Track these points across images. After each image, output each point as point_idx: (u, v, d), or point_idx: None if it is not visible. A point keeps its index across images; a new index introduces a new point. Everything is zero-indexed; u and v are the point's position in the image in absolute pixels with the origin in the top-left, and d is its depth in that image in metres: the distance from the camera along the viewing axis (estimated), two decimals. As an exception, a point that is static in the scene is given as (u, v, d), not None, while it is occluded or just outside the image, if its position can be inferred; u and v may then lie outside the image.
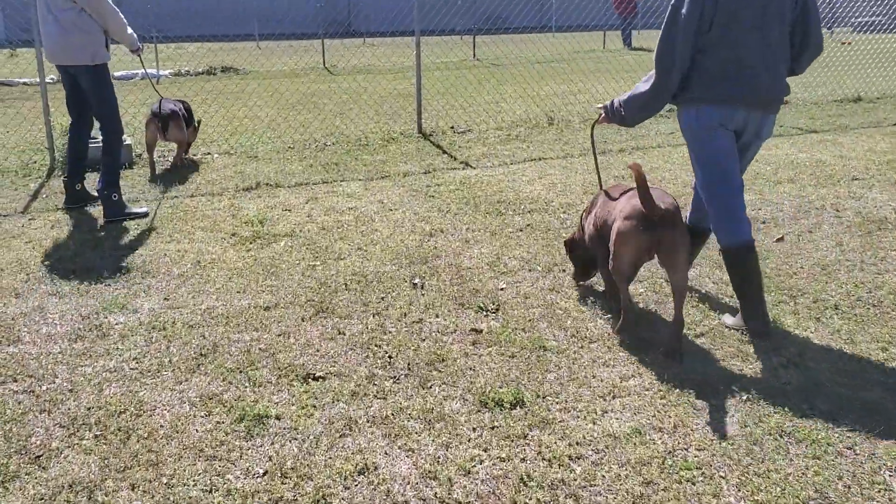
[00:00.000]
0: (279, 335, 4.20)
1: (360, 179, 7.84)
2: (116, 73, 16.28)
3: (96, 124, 6.65)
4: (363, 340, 4.12)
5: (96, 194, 6.51)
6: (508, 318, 4.34)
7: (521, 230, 5.95)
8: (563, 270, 5.04)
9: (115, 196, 6.35)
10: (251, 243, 5.74)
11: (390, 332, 4.22)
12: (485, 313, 4.43)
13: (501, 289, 4.77)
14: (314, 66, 20.06)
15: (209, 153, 9.14)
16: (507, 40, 24.70)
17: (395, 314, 4.44)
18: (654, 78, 3.98)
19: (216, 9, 35.99)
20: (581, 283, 4.77)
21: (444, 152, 9.12)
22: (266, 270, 5.17)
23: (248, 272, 5.14)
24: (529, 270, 5.08)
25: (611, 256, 3.89)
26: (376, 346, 4.06)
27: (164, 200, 7.01)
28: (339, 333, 4.21)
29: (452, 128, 10.48)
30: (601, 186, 4.50)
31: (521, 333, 4.14)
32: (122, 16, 6.25)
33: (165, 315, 4.47)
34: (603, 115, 4.41)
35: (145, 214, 6.48)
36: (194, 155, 8.94)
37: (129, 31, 6.42)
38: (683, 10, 3.81)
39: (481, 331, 4.19)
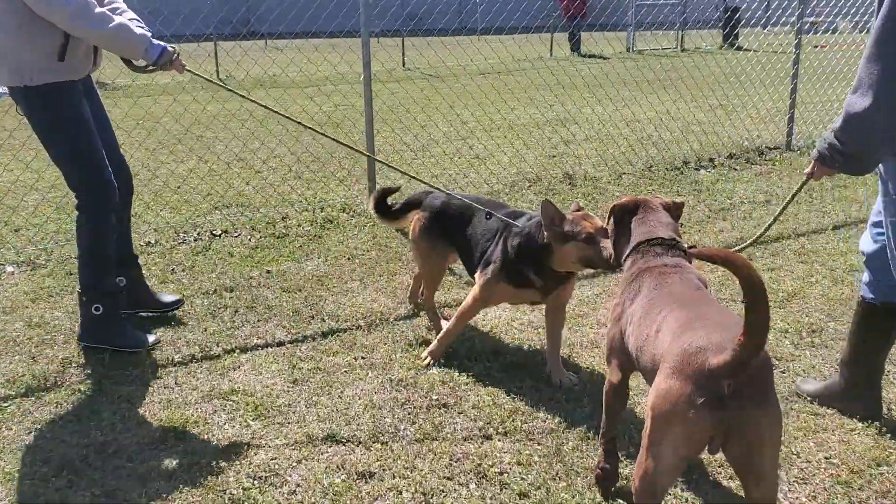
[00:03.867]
0: None
1: (277, 361, 4.10)
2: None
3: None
4: None
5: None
6: None
7: None
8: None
9: (96, 308, 3.97)
10: None
11: None
12: None
13: None
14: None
15: None
16: (432, 44, 21.11)
17: None
18: (877, 76, 2.59)
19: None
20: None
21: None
22: None
23: None
24: None
25: (644, 445, 2.32)
26: None
27: None
28: None
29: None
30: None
31: None
32: None
33: None
34: (814, 165, 2.96)
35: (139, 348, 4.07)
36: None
37: (110, 21, 3.65)
38: None
39: None
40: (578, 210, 3.56)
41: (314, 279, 5.05)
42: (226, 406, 3.55)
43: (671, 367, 2.26)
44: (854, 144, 2.78)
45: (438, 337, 3.94)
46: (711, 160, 7.83)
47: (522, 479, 2.99)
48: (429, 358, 3.90)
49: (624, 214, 2.94)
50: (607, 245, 3.32)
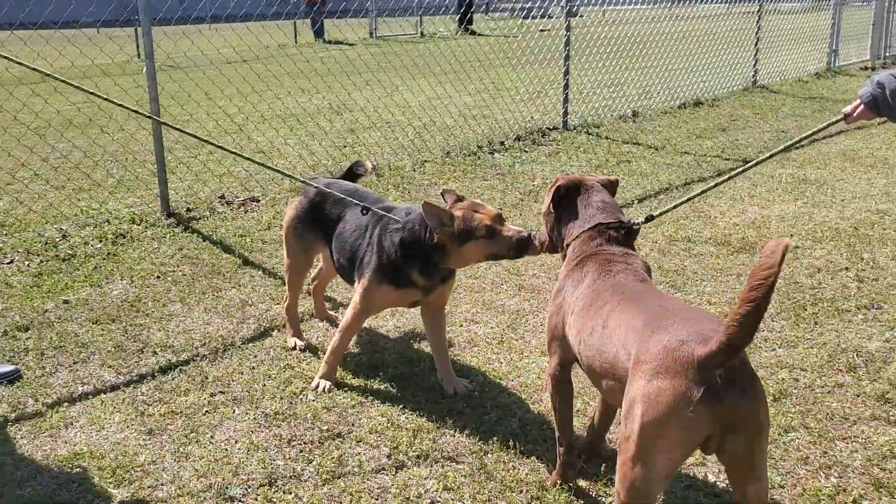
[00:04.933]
0: None
1: (118, 409, 3.47)
2: None
3: None
4: None
5: None
6: None
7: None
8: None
9: None
10: None
11: None
12: None
13: None
14: None
15: None
16: (158, 34, 19.53)
17: None
18: None
19: None
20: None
21: (247, 262, 4.96)
22: None
23: None
24: None
25: (629, 456, 2.11)
26: None
27: None
28: None
29: (222, 197, 6.17)
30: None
31: None
32: None
33: None
34: (859, 104, 2.68)
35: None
36: None
37: None
38: None
39: None
40: (458, 200, 3.29)
41: (126, 305, 4.35)
42: (73, 477, 2.89)
43: (654, 367, 2.09)
44: None
45: (325, 358, 3.51)
46: (502, 143, 7.92)
47: (459, 505, 2.72)
48: (321, 382, 3.47)
49: (567, 195, 2.74)
50: (510, 230, 3.13)
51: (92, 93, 3.29)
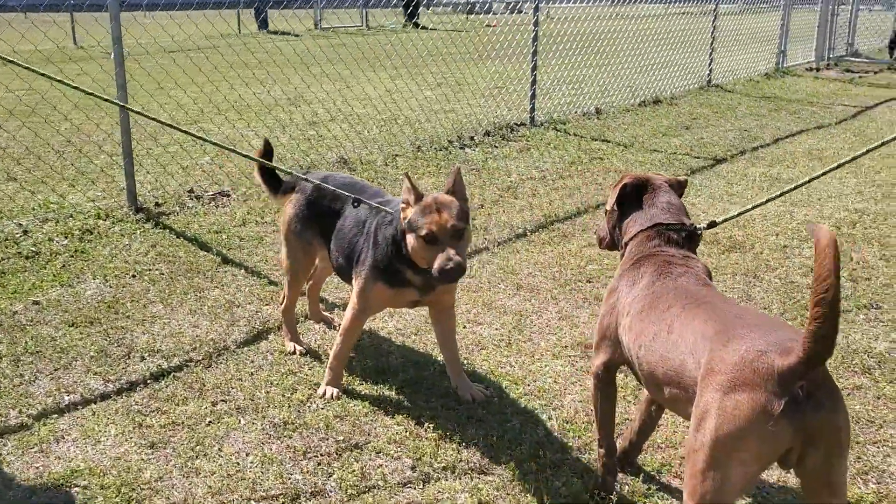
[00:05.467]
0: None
1: (113, 420, 3.23)
2: None
3: None
4: None
5: None
6: None
7: None
8: None
9: None
10: None
11: None
12: None
13: None
14: None
15: None
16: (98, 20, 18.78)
17: None
18: None
19: None
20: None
21: (227, 260, 4.73)
22: None
23: None
24: None
25: (700, 468, 2.00)
26: None
27: None
28: None
29: (191, 191, 5.88)
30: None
31: None
32: None
33: None
34: None
35: None
36: None
37: None
38: None
39: None
40: (427, 198, 3.02)
41: (103, 306, 4.08)
42: (73, 497, 2.65)
43: (730, 379, 1.99)
44: None
45: (329, 364, 3.32)
46: (472, 138, 7.78)
47: (498, 521, 2.58)
48: (328, 389, 3.28)
49: (633, 192, 2.63)
50: (451, 256, 2.86)
51: (59, 80, 3.02)
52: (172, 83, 8.03)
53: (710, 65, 11.81)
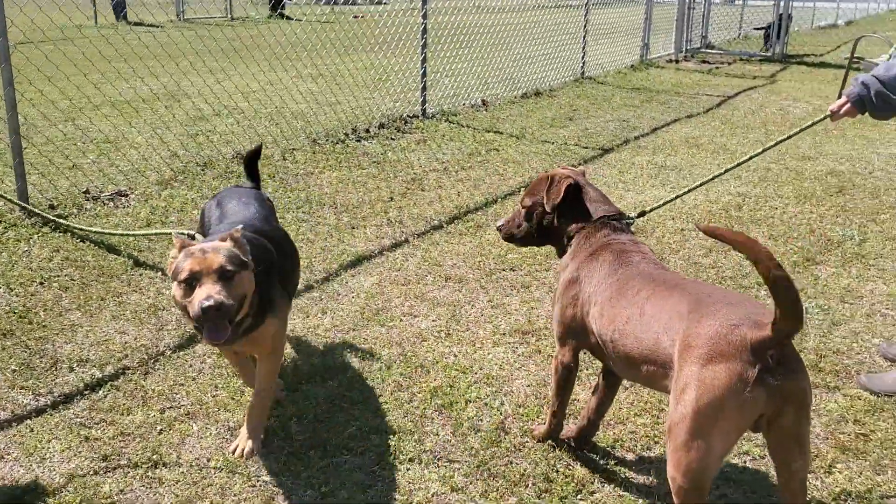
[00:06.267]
0: None
1: (56, 436, 3.08)
2: None
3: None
4: None
5: None
6: None
7: None
8: None
9: None
10: None
11: None
12: None
13: None
14: None
15: None
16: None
17: None
18: None
19: None
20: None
21: (139, 263, 4.54)
22: None
23: None
24: None
25: (683, 440, 2.17)
26: None
27: None
28: None
29: (87, 192, 5.58)
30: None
31: None
32: None
33: None
34: (846, 103, 2.98)
35: None
36: None
37: None
38: None
39: None
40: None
41: (14, 317, 3.84)
42: (31, 518, 2.52)
43: (707, 352, 2.17)
44: None
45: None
46: (367, 131, 7.77)
47: None
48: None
49: (576, 191, 2.78)
50: (200, 294, 2.43)
51: None
52: (40, 75, 7.56)
53: (583, 58, 12.25)
